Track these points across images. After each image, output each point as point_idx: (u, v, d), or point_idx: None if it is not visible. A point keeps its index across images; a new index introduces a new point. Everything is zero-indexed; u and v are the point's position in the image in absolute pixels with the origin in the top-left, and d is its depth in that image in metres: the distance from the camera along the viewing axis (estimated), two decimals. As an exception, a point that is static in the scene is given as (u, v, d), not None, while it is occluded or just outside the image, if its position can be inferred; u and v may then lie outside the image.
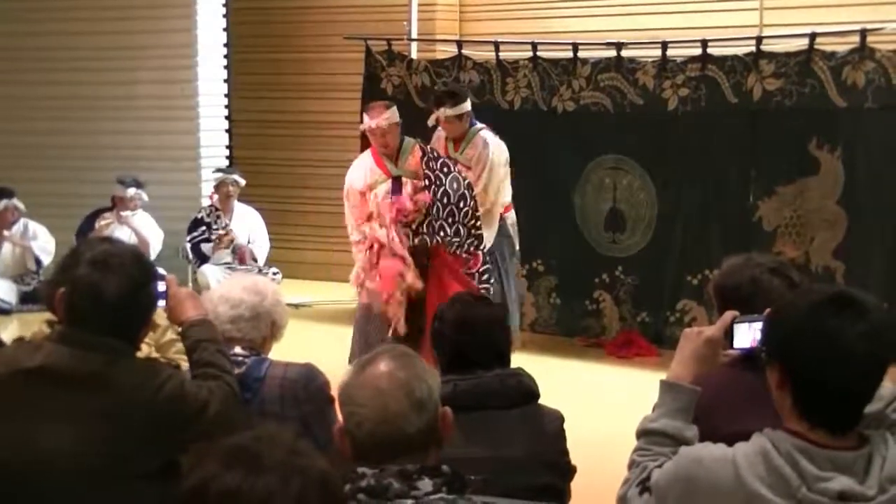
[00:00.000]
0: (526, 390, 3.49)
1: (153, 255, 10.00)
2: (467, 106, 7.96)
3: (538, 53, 9.28)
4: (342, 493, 1.73)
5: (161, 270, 3.32)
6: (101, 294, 3.02)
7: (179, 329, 3.40)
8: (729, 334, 2.65)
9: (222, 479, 1.65)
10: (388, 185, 7.13)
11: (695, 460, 2.42)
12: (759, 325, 2.56)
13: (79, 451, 2.92)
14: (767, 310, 2.51)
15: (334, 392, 3.09)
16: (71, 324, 3.08)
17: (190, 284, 9.67)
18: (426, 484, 2.26)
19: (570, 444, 3.57)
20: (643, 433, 2.65)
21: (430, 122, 7.94)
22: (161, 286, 3.27)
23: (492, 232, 7.80)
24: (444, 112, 7.83)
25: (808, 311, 2.32)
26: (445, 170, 6.98)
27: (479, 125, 8.07)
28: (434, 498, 2.24)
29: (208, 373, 3.20)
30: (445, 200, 6.92)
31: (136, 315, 3.12)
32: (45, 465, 2.91)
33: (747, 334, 2.62)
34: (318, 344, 8.07)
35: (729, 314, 2.66)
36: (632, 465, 2.63)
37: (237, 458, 1.67)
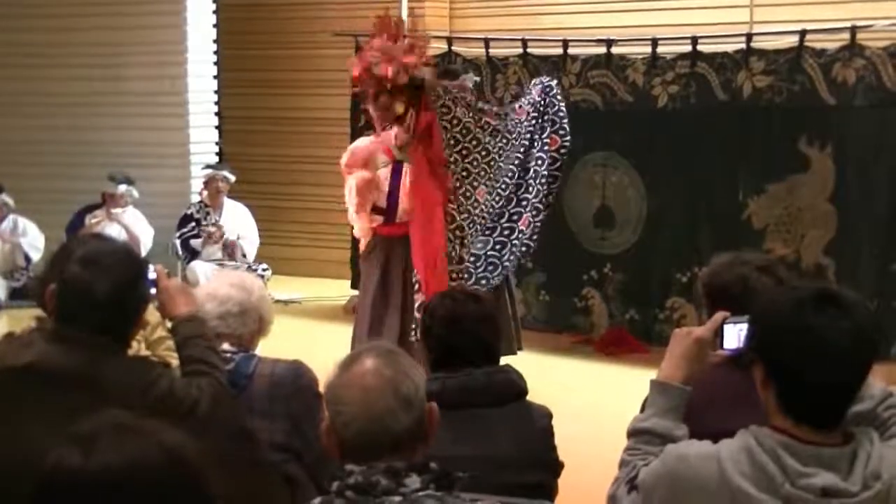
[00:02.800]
0: (514, 387, 3.48)
1: (143, 252, 9.98)
2: None
3: (528, 50, 9.28)
4: (193, 459, 1.76)
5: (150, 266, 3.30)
6: (92, 292, 3.01)
7: (169, 323, 3.39)
8: (719, 335, 2.65)
9: (62, 464, 1.71)
10: (388, 170, 7.19)
11: (680, 458, 2.43)
12: (748, 325, 2.56)
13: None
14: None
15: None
16: (61, 321, 3.07)
17: (179, 280, 9.65)
18: (414, 481, 2.25)
19: (558, 441, 3.57)
20: (633, 433, 2.65)
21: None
22: (151, 273, 3.25)
23: None
24: (472, 78, 7.83)
25: (791, 308, 2.32)
26: None
27: None
28: (422, 495, 2.24)
29: (198, 369, 3.19)
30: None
31: (126, 313, 3.11)
32: (33, 464, 2.89)
33: (737, 335, 2.63)
34: (309, 340, 8.07)
35: (719, 315, 2.67)
36: (622, 464, 2.64)
37: (73, 443, 1.73)
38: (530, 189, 7.37)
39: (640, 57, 8.78)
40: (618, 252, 9.04)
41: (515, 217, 7.38)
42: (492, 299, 3.84)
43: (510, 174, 7.29)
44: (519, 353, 7.36)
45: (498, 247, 7.31)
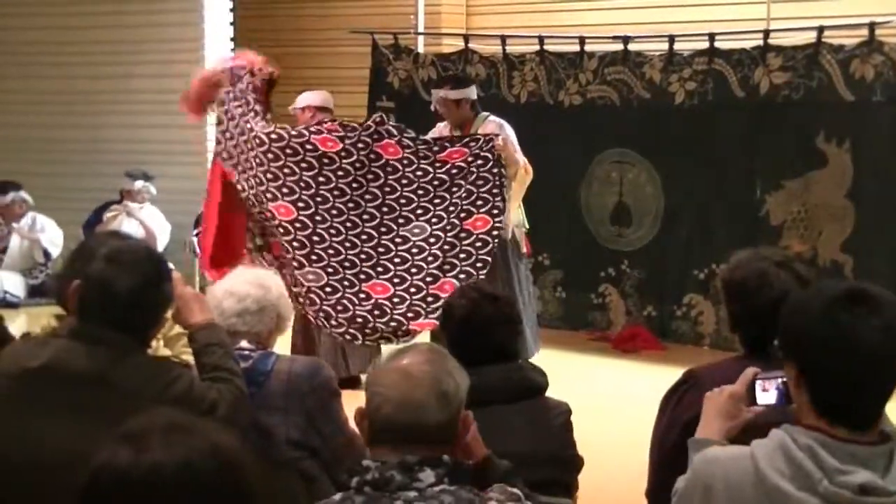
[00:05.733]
0: (530, 384, 3.48)
1: (160, 249, 10.00)
2: (469, 93, 7.63)
3: (545, 47, 9.28)
4: (241, 461, 1.77)
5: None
6: (114, 290, 3.02)
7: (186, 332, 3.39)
8: (751, 390, 2.62)
9: (113, 462, 1.72)
10: None
11: (710, 461, 2.40)
12: (780, 380, 2.52)
13: (82, 448, 2.91)
14: (781, 375, 2.46)
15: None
16: (82, 318, 3.07)
17: (197, 278, 9.68)
18: (428, 475, 2.26)
19: (575, 437, 3.56)
20: (676, 493, 2.62)
21: (433, 107, 7.76)
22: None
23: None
24: (441, 93, 7.60)
25: (821, 307, 2.28)
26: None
27: (486, 113, 7.75)
28: (437, 490, 2.25)
29: (218, 376, 3.20)
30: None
31: (147, 312, 3.12)
32: (49, 463, 2.90)
33: (770, 388, 2.59)
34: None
35: (750, 370, 2.62)
36: None
37: (125, 441, 1.74)
38: (409, 256, 6.72)
39: (658, 53, 8.77)
40: (635, 249, 9.04)
41: (364, 277, 6.66)
42: (511, 299, 3.80)
43: (370, 217, 6.77)
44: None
45: (327, 289, 6.61)
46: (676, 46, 8.66)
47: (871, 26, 7.85)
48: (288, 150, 6.79)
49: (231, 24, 11.63)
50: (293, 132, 6.86)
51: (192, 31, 11.30)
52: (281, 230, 6.66)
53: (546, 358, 7.23)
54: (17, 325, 8.48)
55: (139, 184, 10.78)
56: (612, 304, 9.15)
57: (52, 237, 10.82)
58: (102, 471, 1.72)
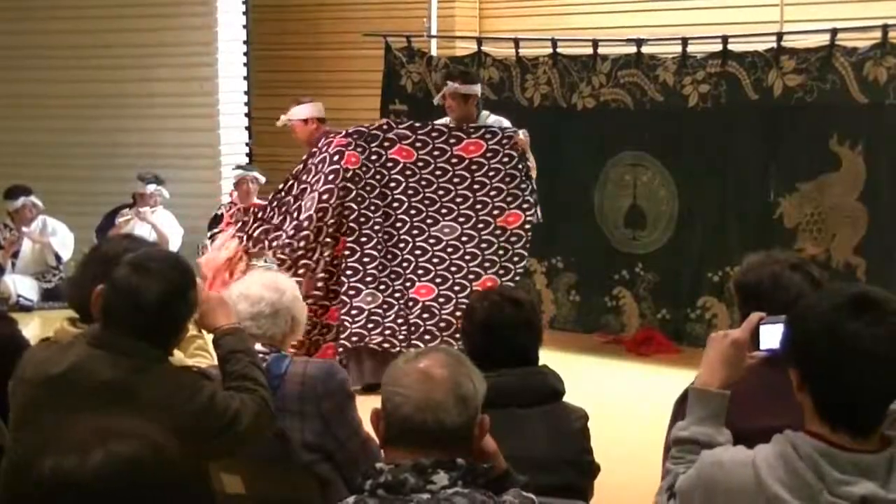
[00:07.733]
0: (549, 389, 3.48)
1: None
2: (477, 90, 7.70)
3: (558, 50, 9.27)
4: (162, 472, 1.77)
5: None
6: (139, 298, 3.01)
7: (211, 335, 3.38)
8: (755, 336, 2.61)
9: (61, 468, 1.72)
10: None
11: (715, 464, 2.40)
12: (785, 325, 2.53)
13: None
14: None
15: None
16: (106, 326, 3.06)
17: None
18: (441, 478, 2.26)
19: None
20: (675, 442, 2.62)
21: (437, 99, 7.81)
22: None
23: None
24: (453, 87, 7.58)
25: (827, 313, 2.28)
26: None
27: (486, 112, 7.81)
28: (450, 493, 2.25)
29: (243, 385, 3.18)
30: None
31: (171, 321, 3.11)
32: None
33: (773, 336, 2.58)
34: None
35: (755, 316, 2.63)
36: (665, 473, 2.62)
37: (49, 443, 1.75)
38: (445, 259, 7.02)
39: (671, 56, 8.76)
40: (649, 251, 9.03)
41: (409, 284, 7.02)
42: (532, 302, 3.81)
43: (399, 224, 7.05)
44: (542, 353, 7.32)
45: (385, 307, 6.98)
46: (690, 49, 8.65)
47: (885, 28, 7.83)
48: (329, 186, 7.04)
49: (244, 27, 11.66)
50: (323, 168, 7.07)
51: (206, 35, 11.34)
52: (343, 265, 6.91)
53: (559, 361, 7.21)
54: (31, 328, 8.50)
55: (151, 187, 10.80)
56: (625, 307, 9.13)
57: (63, 240, 10.85)
58: (48, 480, 1.72)
